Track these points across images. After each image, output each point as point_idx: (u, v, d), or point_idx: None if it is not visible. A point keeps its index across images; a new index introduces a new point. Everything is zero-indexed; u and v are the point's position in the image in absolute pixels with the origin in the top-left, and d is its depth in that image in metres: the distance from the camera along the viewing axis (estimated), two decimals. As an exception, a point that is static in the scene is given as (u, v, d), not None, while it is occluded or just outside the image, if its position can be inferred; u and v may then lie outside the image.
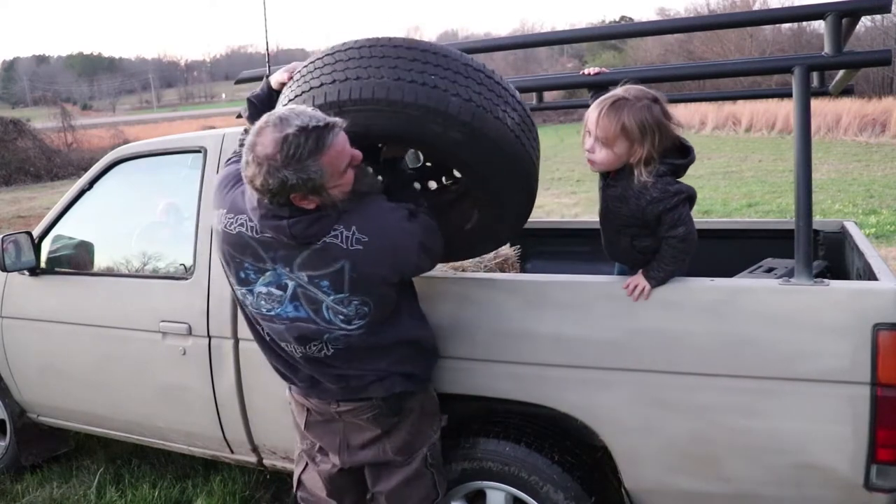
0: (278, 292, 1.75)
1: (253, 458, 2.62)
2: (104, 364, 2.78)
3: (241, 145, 1.86)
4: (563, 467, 2.00)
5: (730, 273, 2.19)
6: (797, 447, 1.75)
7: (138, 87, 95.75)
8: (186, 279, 2.54)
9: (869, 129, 18.06)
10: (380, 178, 1.97)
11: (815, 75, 2.44)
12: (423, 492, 1.98)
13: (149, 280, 2.69)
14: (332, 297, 1.71)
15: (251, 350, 2.36)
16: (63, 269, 2.95)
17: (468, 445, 2.10)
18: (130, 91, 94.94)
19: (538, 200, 2.11)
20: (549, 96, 3.01)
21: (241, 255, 1.76)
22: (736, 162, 14.66)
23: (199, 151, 2.63)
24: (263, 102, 2.02)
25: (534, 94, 2.77)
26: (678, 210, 1.82)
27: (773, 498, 1.82)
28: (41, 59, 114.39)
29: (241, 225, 1.74)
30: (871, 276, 1.92)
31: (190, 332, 2.52)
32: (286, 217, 1.65)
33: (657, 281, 1.85)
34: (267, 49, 2.55)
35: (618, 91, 1.87)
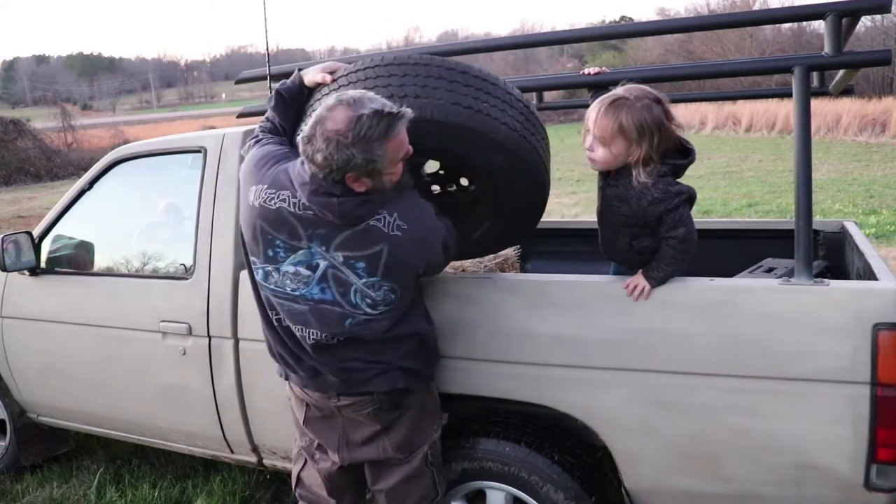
0: (307, 272, 1.77)
1: (253, 458, 2.62)
2: (104, 364, 2.78)
3: (263, 130, 2.02)
4: (563, 467, 2.00)
5: (730, 273, 2.18)
6: (797, 447, 1.75)
7: (138, 87, 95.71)
8: (186, 279, 2.54)
9: (869, 129, 18.05)
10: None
11: (815, 75, 2.44)
12: (422, 490, 1.98)
13: (149, 280, 2.69)
14: (363, 281, 1.75)
15: (251, 350, 2.37)
16: (63, 269, 2.95)
17: (468, 445, 2.10)
18: (130, 91, 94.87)
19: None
20: (549, 96, 3.02)
21: (275, 231, 1.78)
22: (736, 162, 14.65)
23: (199, 151, 2.63)
24: (294, 98, 2.01)
25: (534, 93, 2.77)
26: (679, 211, 1.83)
27: (773, 498, 1.82)
28: (41, 59, 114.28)
29: (283, 200, 1.76)
30: (871, 276, 1.92)
31: (190, 332, 2.52)
32: (337, 195, 1.69)
33: (657, 281, 1.85)
34: (267, 49, 2.56)
35: (619, 90, 1.86)
